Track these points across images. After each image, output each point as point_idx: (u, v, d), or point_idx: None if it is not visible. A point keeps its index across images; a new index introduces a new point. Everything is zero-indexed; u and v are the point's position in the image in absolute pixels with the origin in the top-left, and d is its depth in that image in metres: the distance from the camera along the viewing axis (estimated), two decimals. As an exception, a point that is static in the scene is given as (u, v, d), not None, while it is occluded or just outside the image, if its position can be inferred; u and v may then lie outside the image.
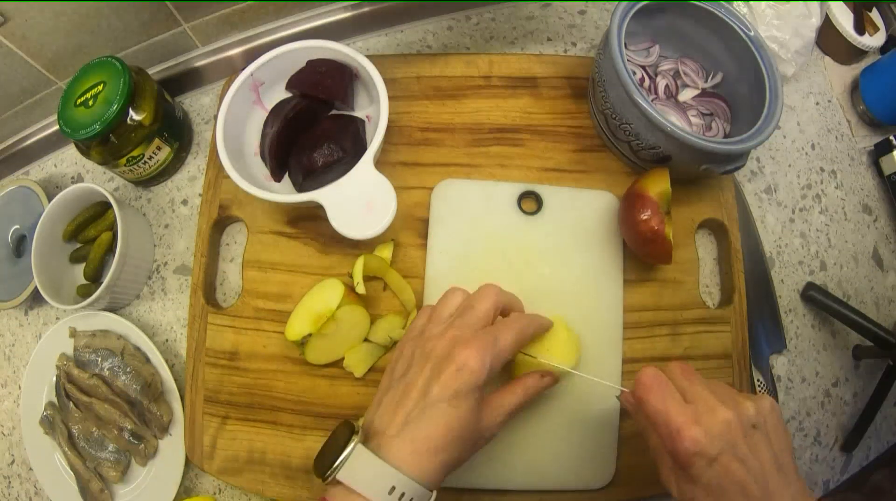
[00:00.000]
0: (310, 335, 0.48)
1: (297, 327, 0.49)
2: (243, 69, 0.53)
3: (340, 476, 0.34)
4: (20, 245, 0.60)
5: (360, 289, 0.49)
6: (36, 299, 0.59)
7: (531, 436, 0.49)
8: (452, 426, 0.36)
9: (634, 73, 0.55)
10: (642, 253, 0.51)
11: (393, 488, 0.34)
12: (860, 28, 0.65)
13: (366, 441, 0.36)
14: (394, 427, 0.36)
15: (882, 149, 0.63)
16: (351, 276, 0.50)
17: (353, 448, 0.35)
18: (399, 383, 0.39)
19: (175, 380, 0.54)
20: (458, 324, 0.40)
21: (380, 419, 0.38)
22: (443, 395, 0.37)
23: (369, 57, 0.52)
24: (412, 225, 0.55)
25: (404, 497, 0.34)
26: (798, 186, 0.62)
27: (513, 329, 0.41)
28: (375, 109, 0.52)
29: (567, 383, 0.49)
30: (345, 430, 0.37)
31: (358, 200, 0.48)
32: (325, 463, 0.35)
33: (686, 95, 0.58)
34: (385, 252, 0.54)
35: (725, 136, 0.56)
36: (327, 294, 0.50)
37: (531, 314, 0.46)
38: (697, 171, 0.51)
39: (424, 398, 0.37)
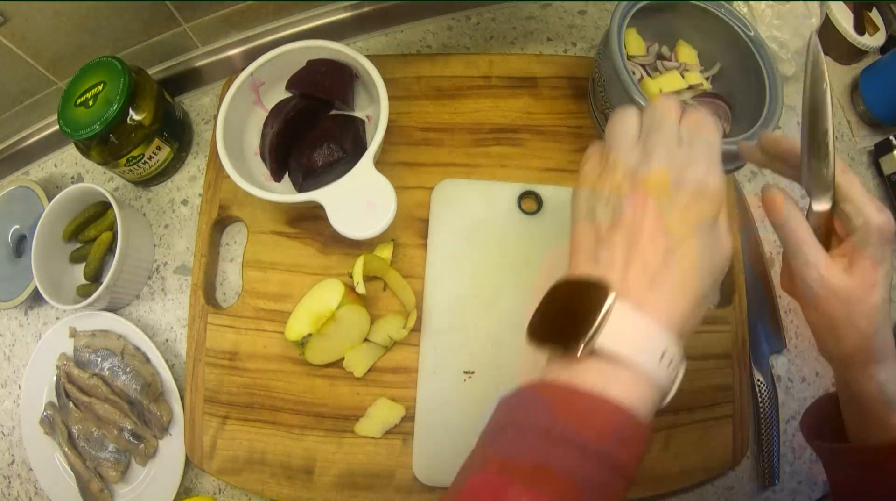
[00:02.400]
0: (309, 335, 0.48)
1: (297, 327, 0.49)
2: (243, 69, 0.53)
3: (601, 341, 0.27)
4: (20, 245, 0.60)
5: (360, 289, 0.49)
6: (36, 299, 0.59)
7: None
8: (705, 265, 0.30)
9: (634, 73, 0.55)
10: (642, 253, 0.51)
11: (664, 352, 0.27)
12: (860, 28, 0.65)
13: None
14: (642, 281, 0.29)
15: (882, 149, 0.63)
16: (351, 276, 0.50)
17: (611, 305, 0.27)
18: (617, 230, 0.30)
19: (175, 380, 0.54)
20: (654, 142, 0.32)
21: (616, 273, 0.29)
22: (688, 230, 0.29)
23: (369, 57, 0.52)
24: (412, 225, 0.55)
25: (672, 364, 0.28)
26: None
27: (708, 127, 0.32)
28: (375, 109, 0.52)
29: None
30: (584, 289, 0.29)
31: (358, 200, 0.48)
32: (571, 329, 0.27)
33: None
34: (385, 252, 0.54)
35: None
36: (327, 294, 0.50)
37: (691, 110, 0.34)
38: (697, 171, 0.51)
39: (666, 236, 0.29)
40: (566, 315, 0.29)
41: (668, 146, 0.31)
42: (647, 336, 0.27)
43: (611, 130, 0.34)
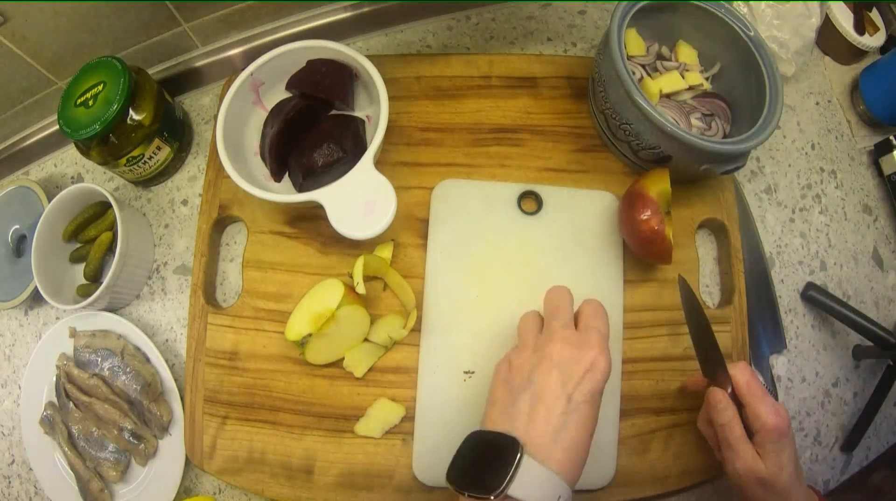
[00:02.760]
0: (309, 335, 0.48)
1: (297, 327, 0.49)
2: (243, 69, 0.53)
3: (512, 490, 0.34)
4: (20, 245, 0.60)
5: (360, 289, 0.49)
6: (36, 299, 0.59)
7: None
8: (592, 426, 0.38)
9: (634, 73, 0.55)
10: (642, 253, 0.51)
11: (560, 496, 0.35)
12: (860, 28, 0.65)
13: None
14: (546, 436, 0.36)
15: (882, 149, 0.63)
16: (351, 276, 0.50)
17: (520, 459, 0.34)
18: (525, 391, 0.39)
19: (175, 380, 0.54)
20: (557, 326, 0.41)
21: (522, 425, 0.37)
22: (583, 397, 0.37)
23: (369, 57, 0.52)
24: (412, 225, 0.55)
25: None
26: (798, 186, 0.62)
27: (600, 318, 0.42)
28: (375, 109, 0.52)
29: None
30: (498, 442, 0.36)
31: (358, 200, 0.48)
32: (490, 479, 0.34)
33: (686, 95, 0.58)
34: (385, 252, 0.54)
35: (725, 136, 0.56)
36: (327, 294, 0.50)
37: (589, 299, 0.44)
38: (697, 171, 0.51)
39: (568, 402, 0.37)
40: (482, 464, 0.36)
41: (564, 331, 0.40)
42: (549, 485, 0.35)
43: (521, 323, 0.44)
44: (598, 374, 0.38)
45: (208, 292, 0.55)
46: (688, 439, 0.51)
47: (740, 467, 0.42)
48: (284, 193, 0.53)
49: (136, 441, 0.53)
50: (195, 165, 0.62)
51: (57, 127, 0.53)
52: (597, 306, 0.43)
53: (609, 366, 0.39)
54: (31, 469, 0.55)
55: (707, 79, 0.57)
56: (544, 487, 0.34)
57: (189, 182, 0.62)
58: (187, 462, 0.52)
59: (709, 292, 0.57)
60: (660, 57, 0.59)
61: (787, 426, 0.42)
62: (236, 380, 0.52)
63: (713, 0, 0.53)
